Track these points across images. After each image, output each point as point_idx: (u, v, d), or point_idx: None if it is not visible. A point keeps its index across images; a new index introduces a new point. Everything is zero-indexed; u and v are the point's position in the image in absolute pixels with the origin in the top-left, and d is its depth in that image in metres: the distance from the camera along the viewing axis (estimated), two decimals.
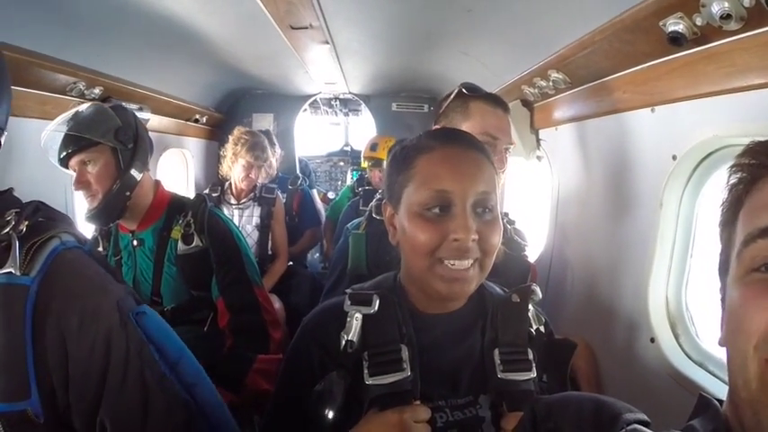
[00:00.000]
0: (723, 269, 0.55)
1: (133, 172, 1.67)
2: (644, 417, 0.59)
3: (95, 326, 0.89)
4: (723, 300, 0.55)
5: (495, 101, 1.46)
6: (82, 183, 1.60)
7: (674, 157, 1.30)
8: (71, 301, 0.88)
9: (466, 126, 1.41)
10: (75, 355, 0.87)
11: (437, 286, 0.88)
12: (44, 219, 0.97)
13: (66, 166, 1.63)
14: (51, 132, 1.59)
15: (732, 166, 0.53)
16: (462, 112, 1.45)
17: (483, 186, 0.89)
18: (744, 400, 0.48)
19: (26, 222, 0.91)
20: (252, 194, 3.00)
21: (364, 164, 3.53)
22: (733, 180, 0.53)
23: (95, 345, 0.88)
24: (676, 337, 1.38)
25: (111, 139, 1.61)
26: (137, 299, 1.02)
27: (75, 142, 1.58)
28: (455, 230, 0.85)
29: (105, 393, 0.88)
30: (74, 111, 1.63)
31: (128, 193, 1.67)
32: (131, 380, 0.90)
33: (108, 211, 1.65)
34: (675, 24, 1.05)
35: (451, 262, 0.86)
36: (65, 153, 1.60)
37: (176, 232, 1.76)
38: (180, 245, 1.75)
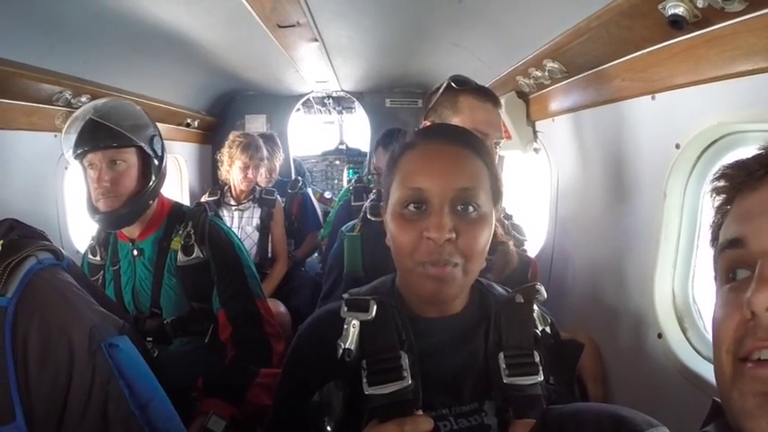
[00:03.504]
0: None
1: (159, 182, 1.67)
2: (666, 431, 0.56)
3: (62, 349, 0.87)
4: None
5: (485, 94, 1.43)
6: (109, 181, 1.54)
7: (678, 146, 1.26)
8: (44, 322, 0.87)
9: (455, 121, 1.39)
10: (42, 378, 0.85)
11: (419, 287, 0.86)
12: (19, 237, 0.96)
13: (84, 158, 1.56)
14: (76, 117, 1.53)
15: (712, 191, 0.59)
16: (451, 107, 1.42)
17: (464, 182, 0.85)
18: (725, 401, 0.51)
19: (0, 241, 0.91)
20: (252, 196, 3.02)
21: None
22: (717, 202, 0.59)
23: (60, 368, 0.87)
24: (684, 331, 1.34)
25: (148, 145, 1.59)
26: (116, 322, 1.00)
27: (114, 137, 1.52)
28: (428, 229, 0.82)
29: (64, 421, 0.86)
30: (106, 100, 1.60)
31: (151, 202, 1.65)
32: (92, 412, 0.88)
33: (125, 217, 1.62)
34: (675, 7, 1.00)
35: (429, 267, 0.83)
36: (98, 144, 1.52)
37: (176, 243, 1.73)
38: (180, 256, 1.72)
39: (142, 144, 1.56)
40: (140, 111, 1.64)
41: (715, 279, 0.57)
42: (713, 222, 0.60)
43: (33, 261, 0.92)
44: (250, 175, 2.94)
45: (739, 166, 0.56)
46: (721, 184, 0.58)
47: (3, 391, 0.82)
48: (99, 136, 1.52)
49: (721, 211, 0.58)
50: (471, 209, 0.85)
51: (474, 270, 0.87)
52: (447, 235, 0.81)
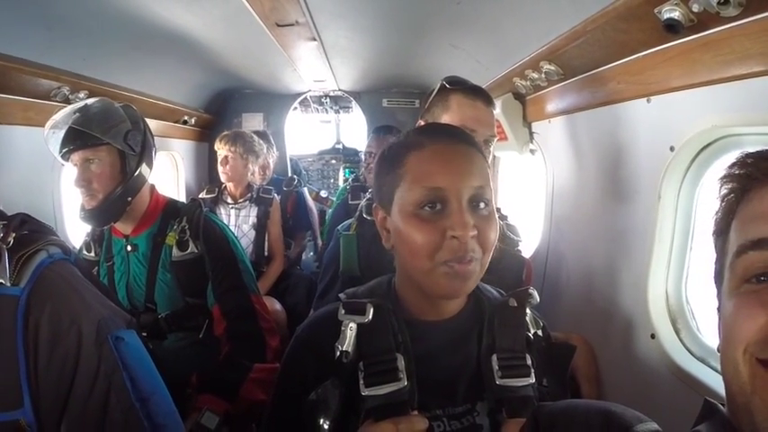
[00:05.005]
0: (718, 279, 0.55)
1: (138, 177, 1.66)
2: (656, 426, 0.57)
3: (70, 338, 0.90)
4: (719, 309, 0.55)
5: (475, 92, 1.44)
6: (84, 180, 1.57)
7: (672, 149, 1.27)
8: (55, 311, 0.90)
9: (445, 119, 1.40)
10: (50, 365, 0.88)
11: (439, 285, 0.86)
12: (30, 231, 0.98)
13: (67, 159, 1.60)
14: (56, 121, 1.55)
15: (723, 177, 0.54)
16: (443, 105, 1.43)
17: (477, 180, 0.86)
18: (741, 405, 0.48)
19: (13, 234, 0.93)
20: (249, 195, 3.01)
21: None
22: (724, 191, 0.54)
23: (68, 357, 0.89)
24: (677, 332, 1.35)
25: (121, 141, 1.59)
26: (125, 316, 1.02)
27: (83, 138, 1.54)
28: (452, 227, 0.82)
29: (68, 408, 0.89)
30: (83, 103, 1.60)
31: (129, 198, 1.65)
32: (94, 401, 0.90)
33: (106, 214, 1.63)
34: (671, 11, 1.01)
35: (454, 264, 0.83)
36: (70, 147, 1.56)
37: (171, 238, 1.74)
38: (174, 251, 1.73)
39: (110, 141, 1.56)
40: (109, 107, 1.64)
41: (719, 280, 0.55)
42: (718, 210, 0.55)
43: (44, 255, 0.95)
44: (228, 168, 2.92)
45: (766, 156, 0.51)
46: (736, 171, 0.53)
47: (12, 377, 0.84)
48: (68, 139, 1.56)
49: (730, 202, 0.53)
50: (483, 205, 0.87)
51: (486, 264, 0.88)
52: (471, 232, 0.82)
